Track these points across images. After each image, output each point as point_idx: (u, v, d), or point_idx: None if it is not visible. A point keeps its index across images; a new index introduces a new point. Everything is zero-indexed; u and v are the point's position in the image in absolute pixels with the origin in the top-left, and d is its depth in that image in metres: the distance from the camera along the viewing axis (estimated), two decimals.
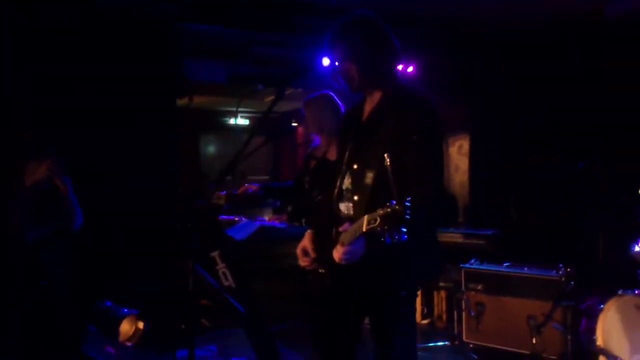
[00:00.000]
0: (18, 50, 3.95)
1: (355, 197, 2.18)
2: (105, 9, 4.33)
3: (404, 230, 1.75)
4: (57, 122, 3.94)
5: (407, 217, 1.74)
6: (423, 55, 5.60)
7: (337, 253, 2.03)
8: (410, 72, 5.68)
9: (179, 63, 4.80)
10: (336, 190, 2.29)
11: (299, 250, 2.30)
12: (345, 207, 2.26)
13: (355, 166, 2.22)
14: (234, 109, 8.68)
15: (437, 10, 5.17)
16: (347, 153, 2.29)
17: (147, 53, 4.49)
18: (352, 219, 2.15)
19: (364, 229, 1.86)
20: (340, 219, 2.25)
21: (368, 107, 2.30)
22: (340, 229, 2.07)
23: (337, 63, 2.24)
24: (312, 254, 2.28)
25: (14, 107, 3.87)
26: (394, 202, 1.78)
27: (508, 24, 5.57)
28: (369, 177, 2.11)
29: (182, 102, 5.26)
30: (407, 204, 1.75)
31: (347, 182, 2.26)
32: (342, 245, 2.02)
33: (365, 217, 1.87)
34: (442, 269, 5.03)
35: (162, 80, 4.57)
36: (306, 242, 2.31)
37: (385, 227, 1.78)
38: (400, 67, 5.25)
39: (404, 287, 2.18)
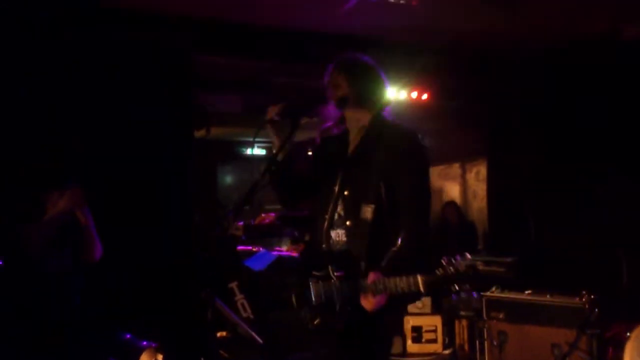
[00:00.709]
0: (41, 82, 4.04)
1: (348, 223, 2.21)
2: (124, 42, 4.42)
3: (473, 286, 1.83)
4: (75, 152, 4.01)
5: (472, 273, 1.80)
6: (438, 82, 5.63)
7: (370, 305, 2.08)
8: (425, 99, 5.70)
9: (196, 95, 4.87)
10: (327, 219, 2.30)
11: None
12: (336, 235, 2.27)
13: (346, 192, 2.26)
14: (251, 139, 8.74)
15: (450, 38, 5.21)
16: (338, 179, 2.32)
17: (165, 85, 4.55)
18: (343, 249, 2.19)
19: (422, 290, 1.92)
20: (329, 250, 2.25)
21: (355, 134, 2.36)
22: (369, 281, 2.07)
23: (330, 76, 2.34)
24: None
25: (35, 138, 3.95)
26: (446, 259, 1.88)
27: (523, 48, 5.58)
28: (368, 210, 2.15)
29: (199, 133, 5.31)
30: (466, 262, 1.83)
31: (339, 209, 2.28)
32: (374, 296, 2.05)
33: (420, 278, 1.92)
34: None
35: (180, 112, 4.63)
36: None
37: (456, 287, 1.89)
38: (405, 96, 5.35)
39: (389, 312, 2.20)
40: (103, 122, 4.26)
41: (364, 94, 2.31)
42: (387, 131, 2.28)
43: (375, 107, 2.34)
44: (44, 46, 4.05)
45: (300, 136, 2.38)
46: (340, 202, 2.28)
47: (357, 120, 2.35)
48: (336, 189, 2.30)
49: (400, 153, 2.19)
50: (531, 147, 6.05)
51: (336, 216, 2.28)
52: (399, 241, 2.07)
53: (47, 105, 4.04)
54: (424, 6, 4.33)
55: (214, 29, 4.70)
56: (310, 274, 2.23)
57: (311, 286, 2.22)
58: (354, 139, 2.36)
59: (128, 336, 3.37)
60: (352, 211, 2.21)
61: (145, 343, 3.30)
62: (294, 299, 2.29)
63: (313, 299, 2.20)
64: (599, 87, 5.24)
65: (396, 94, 5.21)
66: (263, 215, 3.55)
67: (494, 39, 5.25)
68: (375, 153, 2.23)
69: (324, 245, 2.30)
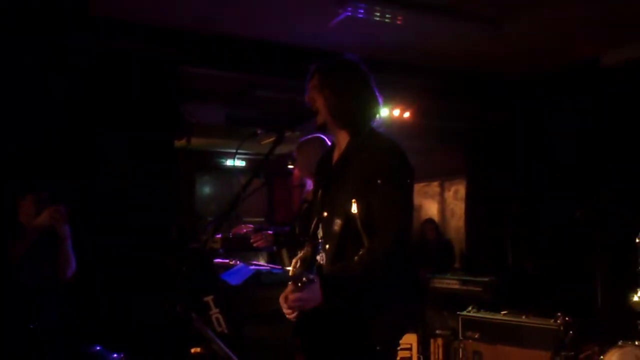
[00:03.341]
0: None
1: (327, 246, 2.12)
2: (109, 51, 4.39)
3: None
4: (53, 162, 3.96)
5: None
6: (420, 101, 5.67)
7: (286, 301, 1.94)
8: (407, 117, 5.74)
9: (178, 105, 4.84)
10: (310, 241, 2.20)
11: (281, 299, 2.06)
12: (320, 258, 2.18)
13: (325, 214, 2.16)
14: (230, 150, 8.71)
15: (434, 58, 5.27)
16: (318, 197, 2.23)
17: (148, 95, 4.52)
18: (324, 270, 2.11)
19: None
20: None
21: (337, 151, 2.25)
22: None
23: (308, 93, 2.21)
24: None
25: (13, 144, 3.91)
26: None
27: (505, 71, 5.66)
28: (337, 224, 2.05)
29: (180, 143, 5.27)
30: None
31: (320, 232, 2.18)
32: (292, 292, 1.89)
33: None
34: (422, 317, 4.93)
35: (161, 122, 4.60)
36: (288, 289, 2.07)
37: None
38: (387, 113, 5.25)
39: (378, 341, 2.01)
40: (83, 131, 4.22)
41: (344, 116, 2.17)
42: (366, 146, 2.14)
43: (358, 124, 2.18)
44: (30, 50, 4.01)
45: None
46: (321, 224, 2.18)
47: (339, 137, 2.24)
48: (316, 207, 2.24)
49: (375, 163, 2.05)
50: (510, 167, 6.12)
51: (320, 240, 2.19)
52: (355, 257, 1.92)
53: (26, 110, 4.00)
54: (409, 25, 4.37)
55: (199, 40, 4.68)
56: None
57: None
58: (337, 152, 2.26)
59: (98, 348, 3.32)
60: (329, 232, 2.11)
61: (115, 355, 3.26)
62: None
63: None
64: (579, 110, 5.33)
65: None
66: (241, 225, 3.48)
67: (477, 59, 5.32)
68: (351, 166, 2.11)
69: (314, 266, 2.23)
